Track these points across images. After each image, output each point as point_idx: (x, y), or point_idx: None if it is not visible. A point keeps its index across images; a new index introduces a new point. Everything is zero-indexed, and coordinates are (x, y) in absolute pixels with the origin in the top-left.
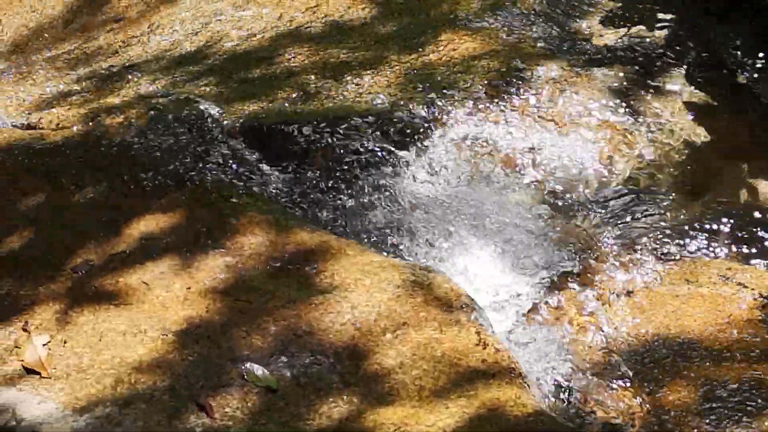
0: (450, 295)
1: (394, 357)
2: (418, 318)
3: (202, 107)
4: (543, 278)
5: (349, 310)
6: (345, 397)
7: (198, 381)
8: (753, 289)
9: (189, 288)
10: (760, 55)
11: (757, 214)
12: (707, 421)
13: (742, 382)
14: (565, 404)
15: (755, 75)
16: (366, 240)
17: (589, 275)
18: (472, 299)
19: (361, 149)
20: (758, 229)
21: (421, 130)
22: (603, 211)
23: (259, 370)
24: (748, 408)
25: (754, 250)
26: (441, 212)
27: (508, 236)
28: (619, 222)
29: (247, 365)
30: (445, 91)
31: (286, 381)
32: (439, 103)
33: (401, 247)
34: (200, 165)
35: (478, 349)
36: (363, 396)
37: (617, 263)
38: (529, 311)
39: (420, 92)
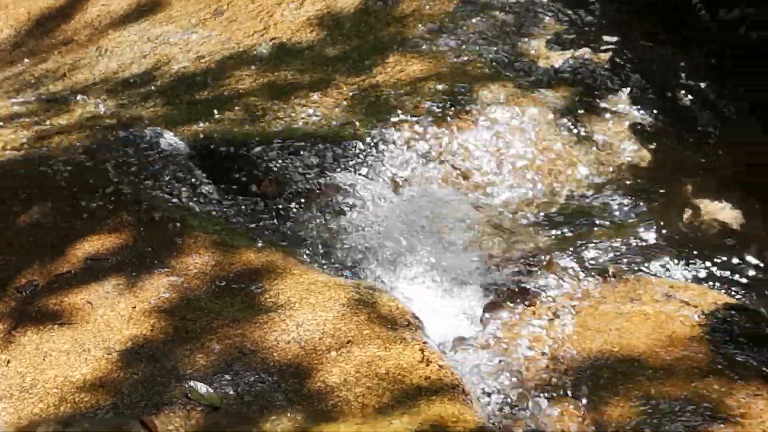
0: (395, 313)
1: (339, 375)
2: (362, 336)
3: (148, 129)
4: (489, 296)
5: (294, 329)
6: (289, 414)
7: (141, 399)
8: (695, 307)
9: (134, 307)
10: (701, 78)
11: (699, 234)
12: None
13: (684, 399)
14: (508, 421)
15: (697, 98)
16: (311, 259)
17: (534, 294)
18: (417, 317)
19: (307, 170)
20: (701, 248)
21: (368, 150)
22: (548, 230)
23: (202, 388)
24: (690, 424)
25: (696, 269)
26: (386, 231)
27: (455, 255)
28: (564, 241)
29: (191, 383)
30: (392, 112)
31: (229, 399)
32: (386, 124)
33: (345, 265)
34: (146, 186)
35: (421, 366)
36: (307, 413)
37: (562, 282)
38: (474, 329)
39: (367, 113)
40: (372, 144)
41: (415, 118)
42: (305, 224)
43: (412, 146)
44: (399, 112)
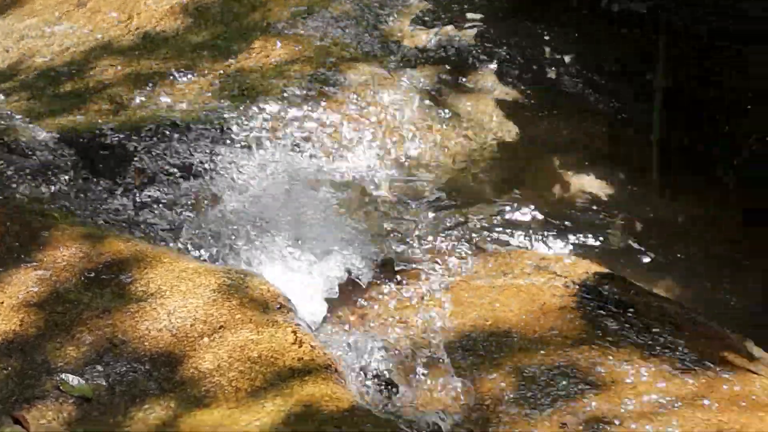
0: (266, 297)
1: (211, 360)
2: (234, 321)
3: (13, 122)
4: (361, 276)
5: (166, 317)
6: (161, 402)
7: (12, 394)
8: (566, 278)
9: (1, 303)
10: (566, 51)
11: (568, 206)
12: (524, 406)
13: (556, 368)
14: (382, 397)
15: (562, 71)
16: (181, 246)
17: (407, 272)
18: (288, 299)
19: (174, 157)
20: (570, 219)
21: (235, 135)
22: (419, 208)
23: (74, 380)
24: (562, 392)
25: (566, 240)
26: (255, 215)
27: (324, 236)
28: (435, 219)
29: (62, 376)
30: (258, 96)
31: (101, 390)
32: (252, 109)
33: (216, 251)
34: (11, 180)
35: (294, 348)
36: (179, 400)
37: (435, 259)
38: (347, 308)
39: (233, 99)
40: (239, 129)
41: (281, 102)
42: (174, 211)
43: (278, 129)
44: (265, 96)
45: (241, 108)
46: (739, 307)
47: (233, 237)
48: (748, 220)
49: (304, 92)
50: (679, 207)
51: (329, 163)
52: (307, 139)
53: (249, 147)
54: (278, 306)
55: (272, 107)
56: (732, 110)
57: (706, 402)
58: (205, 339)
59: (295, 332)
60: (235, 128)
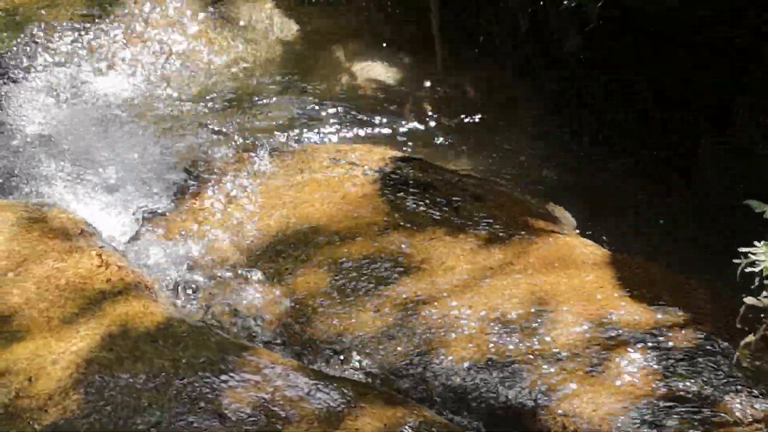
0: (67, 225)
1: (19, 294)
2: (37, 252)
3: None
4: (162, 196)
5: None
6: None
7: None
8: (363, 166)
9: None
10: None
11: (357, 95)
12: (337, 297)
13: (366, 256)
14: (196, 307)
15: None
16: None
17: (206, 183)
18: (90, 224)
19: None
20: (361, 108)
21: (15, 62)
22: (209, 117)
23: None
24: (374, 278)
25: (360, 129)
26: (49, 141)
27: (122, 160)
28: (226, 126)
29: None
30: (33, 24)
31: None
32: (30, 37)
33: (10, 186)
34: None
35: (101, 271)
36: None
37: (231, 166)
38: (154, 225)
39: (8, 29)
40: (19, 56)
41: (58, 27)
42: None
43: (60, 53)
44: (40, 24)
45: (18, 36)
46: (536, 171)
47: (27, 168)
48: (534, 89)
49: (84, 17)
50: (465, 81)
51: (119, 82)
52: (91, 59)
53: (31, 73)
54: (80, 232)
55: (48, 33)
56: None
57: (515, 268)
58: (10, 274)
59: (99, 255)
60: (13, 56)
